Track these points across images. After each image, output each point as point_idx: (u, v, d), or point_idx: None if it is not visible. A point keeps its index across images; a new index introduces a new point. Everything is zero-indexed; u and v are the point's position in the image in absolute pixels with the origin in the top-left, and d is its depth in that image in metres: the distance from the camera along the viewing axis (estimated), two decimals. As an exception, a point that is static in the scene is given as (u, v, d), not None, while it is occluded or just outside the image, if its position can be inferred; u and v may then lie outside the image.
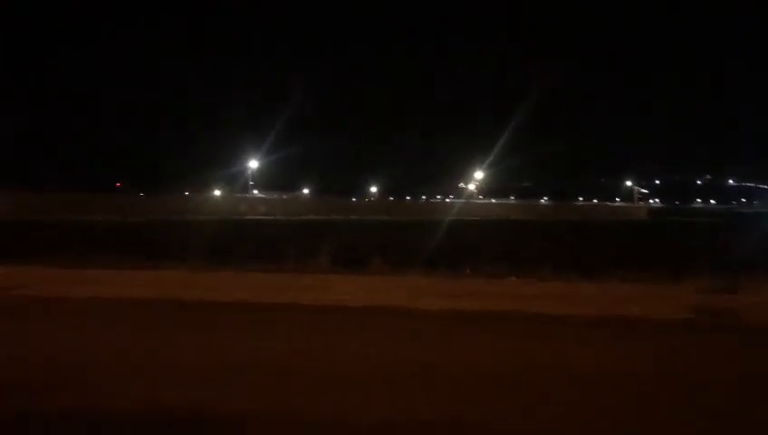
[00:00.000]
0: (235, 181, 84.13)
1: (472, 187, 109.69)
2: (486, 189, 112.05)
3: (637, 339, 7.25)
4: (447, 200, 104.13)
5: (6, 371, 5.58)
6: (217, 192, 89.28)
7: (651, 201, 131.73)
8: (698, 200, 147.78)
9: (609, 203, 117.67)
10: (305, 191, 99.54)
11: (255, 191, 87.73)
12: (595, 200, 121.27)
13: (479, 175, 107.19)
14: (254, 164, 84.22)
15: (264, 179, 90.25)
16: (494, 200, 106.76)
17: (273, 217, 53.66)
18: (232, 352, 6.26)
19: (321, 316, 8.36)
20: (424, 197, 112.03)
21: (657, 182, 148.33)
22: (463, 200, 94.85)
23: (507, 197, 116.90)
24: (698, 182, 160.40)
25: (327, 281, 11.09)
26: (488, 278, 11.78)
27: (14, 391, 4.98)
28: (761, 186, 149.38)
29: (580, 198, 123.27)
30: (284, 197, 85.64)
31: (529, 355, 6.32)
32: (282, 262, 13.25)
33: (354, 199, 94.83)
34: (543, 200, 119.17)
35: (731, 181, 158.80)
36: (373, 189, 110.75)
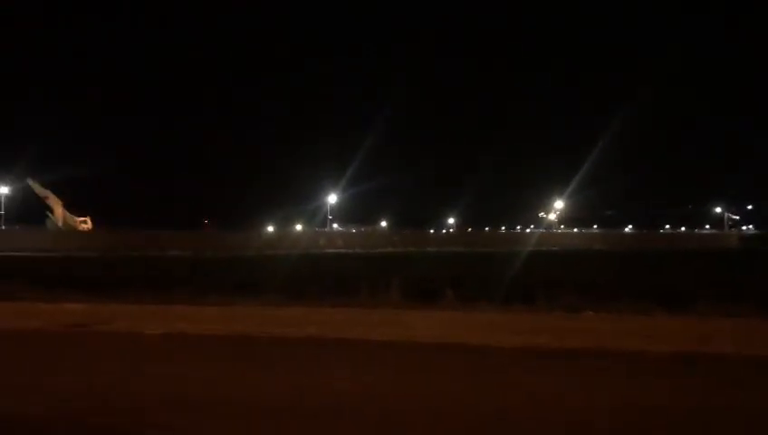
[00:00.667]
0: (315, 216, 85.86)
1: (552, 216, 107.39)
2: (568, 219, 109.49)
3: (723, 377, 6.79)
4: (528, 231, 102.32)
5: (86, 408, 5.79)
6: (299, 227, 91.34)
7: (744, 227, 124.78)
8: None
9: (698, 231, 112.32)
10: (383, 224, 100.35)
11: (335, 225, 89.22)
12: (683, 228, 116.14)
13: (559, 204, 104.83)
14: (332, 198, 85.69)
15: (342, 213, 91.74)
16: (575, 230, 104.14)
17: (350, 251, 54.19)
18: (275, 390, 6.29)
19: (387, 352, 8.31)
20: (503, 228, 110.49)
21: (750, 207, 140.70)
22: (542, 230, 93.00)
23: (590, 226, 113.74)
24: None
25: (398, 316, 11.03)
26: (565, 312, 11.41)
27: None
28: None
29: (667, 226, 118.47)
30: (362, 230, 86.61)
31: (603, 395, 6.03)
32: (355, 296, 13.31)
33: (432, 231, 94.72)
34: (628, 229, 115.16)
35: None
36: (451, 220, 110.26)
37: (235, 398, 6.02)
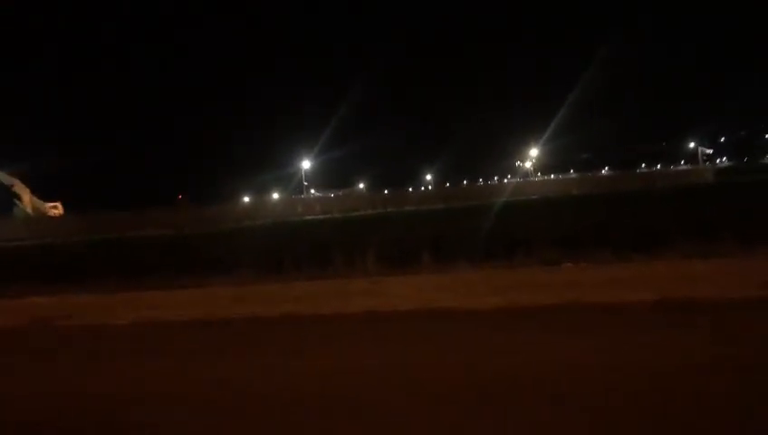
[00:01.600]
0: (290, 183, 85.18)
1: (528, 165, 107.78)
2: (545, 166, 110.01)
3: (708, 323, 6.61)
4: (505, 181, 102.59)
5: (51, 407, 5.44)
6: (275, 195, 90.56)
7: (718, 160, 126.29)
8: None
9: (674, 167, 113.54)
10: (361, 186, 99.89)
11: (313, 191, 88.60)
12: (658, 166, 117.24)
13: (535, 152, 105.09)
14: (307, 164, 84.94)
15: (319, 178, 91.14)
16: (552, 176, 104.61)
17: (329, 216, 53.80)
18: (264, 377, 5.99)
19: (365, 325, 8.05)
20: (481, 180, 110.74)
21: (722, 140, 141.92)
22: (519, 179, 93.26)
23: (567, 172, 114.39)
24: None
25: (376, 284, 10.74)
26: (543, 265, 11.22)
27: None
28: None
29: (643, 165, 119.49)
30: (340, 194, 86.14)
31: (587, 353, 5.81)
32: (331, 266, 13.01)
33: (411, 190, 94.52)
34: (604, 172, 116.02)
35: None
36: (429, 178, 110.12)
37: (201, 390, 5.70)
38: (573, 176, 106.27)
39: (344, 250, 14.35)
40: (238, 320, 8.85)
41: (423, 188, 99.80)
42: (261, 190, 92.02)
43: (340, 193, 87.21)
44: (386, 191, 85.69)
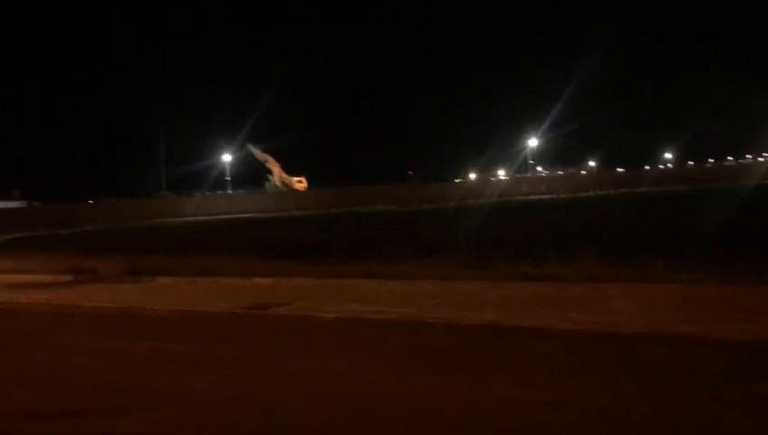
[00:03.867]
0: (516, 161, 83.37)
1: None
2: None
3: None
4: (761, 160, 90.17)
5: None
6: (501, 173, 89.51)
7: None
8: None
9: None
10: (591, 164, 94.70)
11: (539, 169, 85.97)
12: None
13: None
14: (533, 142, 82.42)
15: (546, 156, 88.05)
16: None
17: (554, 196, 51.50)
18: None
19: (577, 346, 7.01)
20: (730, 158, 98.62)
21: None
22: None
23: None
24: None
25: (595, 291, 9.51)
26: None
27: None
28: None
29: None
30: (568, 172, 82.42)
31: None
32: (545, 261, 11.90)
33: (648, 168, 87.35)
34: None
35: None
36: (668, 156, 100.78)
37: (382, 407, 5.22)
38: None
39: (561, 243, 13.17)
40: (438, 325, 8.31)
41: (662, 167, 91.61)
42: (487, 168, 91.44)
43: (568, 171, 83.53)
44: (618, 170, 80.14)
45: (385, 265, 13.50)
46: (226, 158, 78.73)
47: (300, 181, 78.05)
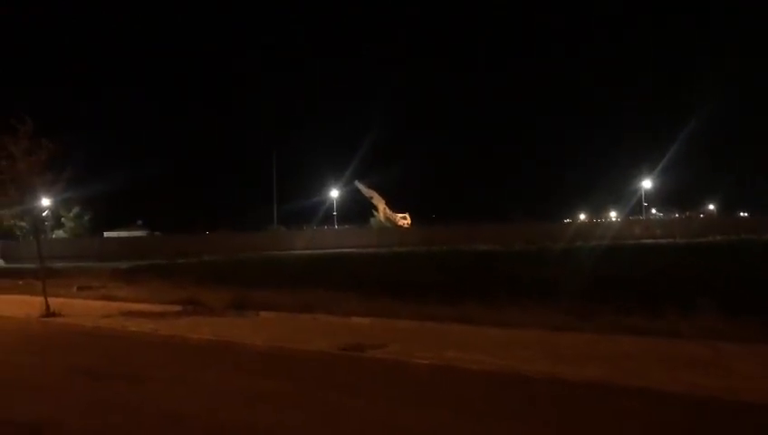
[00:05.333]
0: (629, 202, 79.82)
1: None
2: None
3: None
4: None
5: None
6: (613, 214, 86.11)
7: None
8: None
9: None
10: (710, 208, 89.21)
11: (654, 211, 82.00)
12: None
13: None
14: (647, 183, 78.78)
15: (661, 198, 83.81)
16: None
17: (669, 241, 48.72)
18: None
19: (693, 414, 6.36)
20: None
21: None
22: None
23: None
24: None
25: (714, 351, 8.71)
26: None
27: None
28: None
29: None
30: (685, 215, 78.00)
31: None
32: (659, 314, 11.08)
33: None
34: None
35: None
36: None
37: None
38: None
39: (678, 289, 12.28)
40: (538, 379, 7.85)
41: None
42: (597, 209, 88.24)
43: (686, 215, 79.05)
44: (741, 214, 74.87)
45: (485, 310, 13.13)
46: (334, 193, 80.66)
47: (404, 218, 78.47)
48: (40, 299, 17.06)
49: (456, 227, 62.21)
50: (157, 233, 71.54)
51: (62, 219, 64.16)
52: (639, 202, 78.64)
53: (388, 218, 77.33)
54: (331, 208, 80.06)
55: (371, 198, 77.95)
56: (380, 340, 10.57)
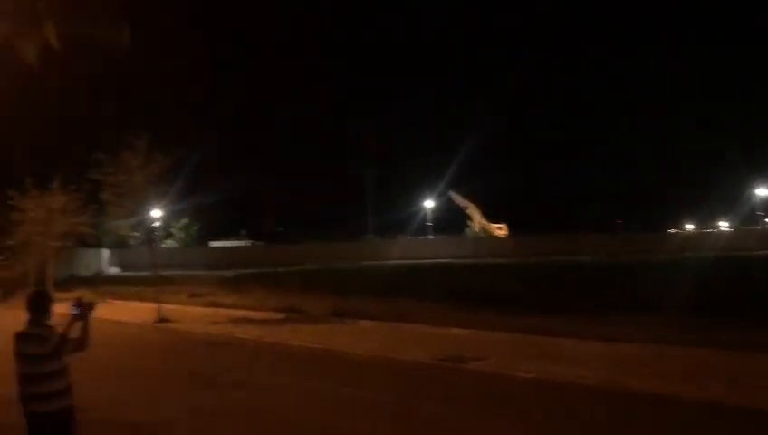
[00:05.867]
0: (740, 211, 75.13)
1: None
2: None
3: None
4: None
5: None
6: (723, 225, 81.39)
7: None
8: None
9: None
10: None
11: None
12: None
13: None
14: (762, 191, 73.85)
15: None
16: None
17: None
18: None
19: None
20: None
21: None
22: None
23: None
24: None
25: None
26: None
27: None
28: None
29: None
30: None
31: None
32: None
33: None
34: None
35: None
36: None
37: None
38: None
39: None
40: (650, 396, 7.52)
41: None
42: (706, 219, 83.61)
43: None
44: None
45: (589, 323, 12.77)
46: (429, 204, 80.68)
47: (500, 228, 77.27)
48: (153, 306, 18.05)
49: (554, 238, 60.57)
50: (258, 242, 74.06)
51: (172, 229, 67.67)
52: (753, 211, 73.81)
53: (483, 229, 76.42)
54: (425, 219, 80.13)
55: (466, 208, 77.37)
56: (480, 352, 10.47)
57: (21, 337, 4.40)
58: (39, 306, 4.49)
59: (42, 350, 4.32)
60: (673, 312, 12.89)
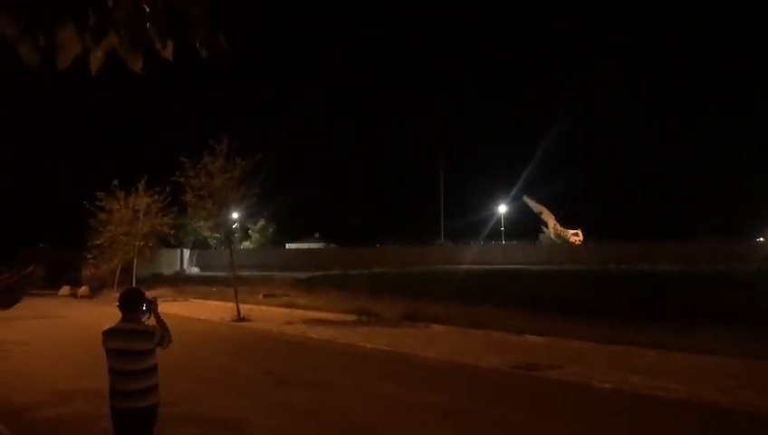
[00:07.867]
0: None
1: None
2: None
3: None
4: None
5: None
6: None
7: None
8: None
9: None
10: None
11: None
12: None
13: None
14: None
15: None
16: None
17: None
18: None
19: None
20: None
21: None
22: None
23: None
24: None
25: None
26: None
27: None
28: None
29: None
30: None
31: None
32: None
33: None
34: None
35: None
36: None
37: None
38: None
39: None
40: (741, 412, 7.13)
41: None
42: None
43: None
44: None
45: (672, 334, 12.26)
46: (502, 209, 79.68)
47: (575, 234, 75.37)
48: (231, 305, 18.57)
49: (634, 245, 58.50)
50: (332, 245, 75.02)
51: (249, 231, 69.47)
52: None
53: (558, 235, 74.70)
54: (498, 224, 79.14)
55: (541, 213, 75.89)
56: (556, 360, 10.23)
57: (119, 333, 4.43)
58: (134, 303, 4.57)
59: (147, 345, 4.41)
60: (764, 324, 12.21)
